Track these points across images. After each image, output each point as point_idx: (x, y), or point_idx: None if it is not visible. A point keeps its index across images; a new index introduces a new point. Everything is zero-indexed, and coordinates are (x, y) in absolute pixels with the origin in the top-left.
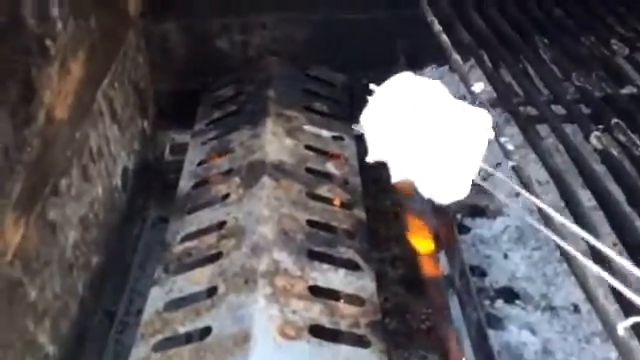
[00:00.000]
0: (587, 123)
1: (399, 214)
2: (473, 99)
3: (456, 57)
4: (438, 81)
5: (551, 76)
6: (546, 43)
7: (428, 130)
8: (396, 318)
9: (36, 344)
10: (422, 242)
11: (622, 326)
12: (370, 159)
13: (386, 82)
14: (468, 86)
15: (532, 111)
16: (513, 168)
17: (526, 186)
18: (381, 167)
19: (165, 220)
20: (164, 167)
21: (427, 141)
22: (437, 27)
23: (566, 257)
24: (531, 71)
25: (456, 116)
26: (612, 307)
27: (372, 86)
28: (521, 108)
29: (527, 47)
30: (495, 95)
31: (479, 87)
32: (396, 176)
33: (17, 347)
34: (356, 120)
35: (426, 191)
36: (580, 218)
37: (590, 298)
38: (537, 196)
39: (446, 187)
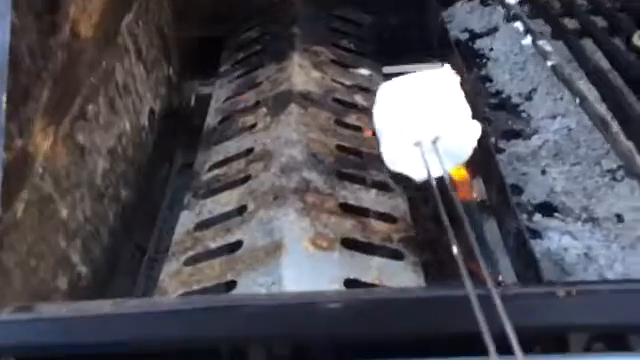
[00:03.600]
0: (629, 27)
1: None
2: (508, 12)
3: None
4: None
5: None
6: None
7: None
8: (428, 252)
9: (68, 262)
10: (455, 171)
11: None
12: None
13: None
14: (503, 1)
15: (572, 23)
16: (553, 67)
17: (568, 83)
18: None
19: (191, 166)
20: (190, 114)
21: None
22: None
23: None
24: None
25: (449, 116)
26: None
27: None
28: (560, 20)
29: None
30: (531, 7)
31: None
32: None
33: (49, 261)
34: (383, 58)
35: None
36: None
37: None
38: (580, 92)
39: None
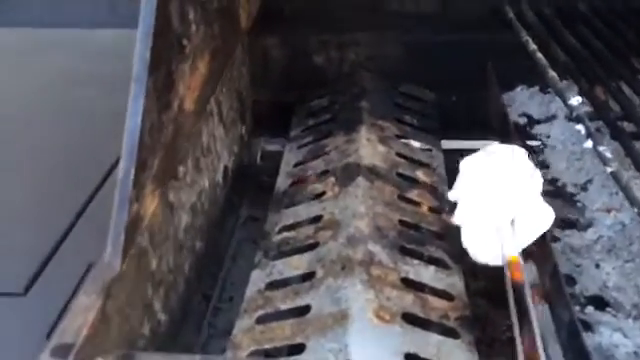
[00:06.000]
0: None
1: None
2: (570, 112)
3: (553, 74)
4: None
5: None
6: None
7: (497, 197)
8: (478, 328)
9: (152, 310)
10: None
11: None
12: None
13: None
14: (565, 100)
15: (629, 127)
16: (612, 174)
17: (625, 190)
18: None
19: (255, 219)
20: (257, 170)
21: (491, 204)
22: (532, 46)
23: None
24: (627, 90)
25: (524, 200)
26: None
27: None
28: (618, 123)
29: (622, 66)
30: (592, 109)
31: (576, 101)
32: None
33: (139, 309)
34: (444, 134)
35: (465, 242)
36: None
37: None
38: (638, 201)
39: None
